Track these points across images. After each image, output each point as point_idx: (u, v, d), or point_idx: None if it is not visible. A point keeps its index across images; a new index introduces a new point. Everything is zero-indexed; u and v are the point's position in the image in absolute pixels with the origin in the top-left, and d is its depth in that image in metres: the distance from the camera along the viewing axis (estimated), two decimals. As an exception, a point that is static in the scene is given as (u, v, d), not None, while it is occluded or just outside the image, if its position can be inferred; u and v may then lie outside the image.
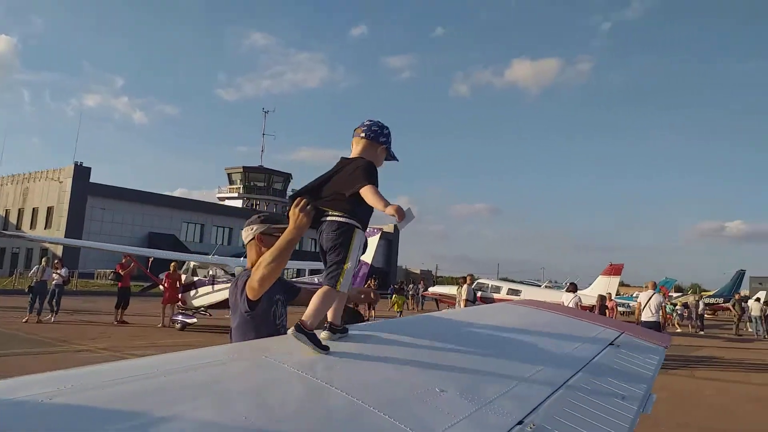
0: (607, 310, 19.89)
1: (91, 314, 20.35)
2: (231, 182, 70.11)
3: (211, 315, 19.08)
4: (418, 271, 77.80)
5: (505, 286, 28.21)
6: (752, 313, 27.81)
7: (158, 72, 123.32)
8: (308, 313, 2.04)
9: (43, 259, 19.13)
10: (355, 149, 2.38)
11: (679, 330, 26.92)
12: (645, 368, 2.22)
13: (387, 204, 2.12)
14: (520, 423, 1.52)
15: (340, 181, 2.24)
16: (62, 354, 11.87)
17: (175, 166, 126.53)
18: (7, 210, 55.46)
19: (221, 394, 1.40)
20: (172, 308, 18.15)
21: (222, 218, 60.01)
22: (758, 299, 31.07)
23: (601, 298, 19.59)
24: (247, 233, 3.03)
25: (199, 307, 18.28)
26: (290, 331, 1.94)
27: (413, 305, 35.20)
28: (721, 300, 42.49)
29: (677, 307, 30.52)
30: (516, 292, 25.29)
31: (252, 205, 67.44)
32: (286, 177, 72.08)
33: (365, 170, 2.21)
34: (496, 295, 26.42)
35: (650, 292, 14.54)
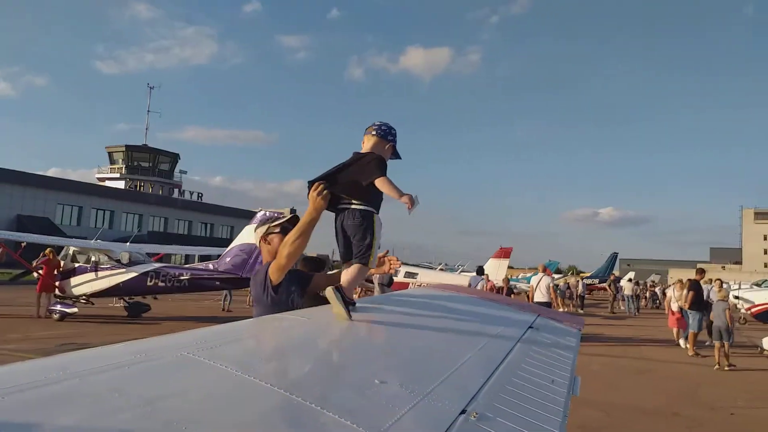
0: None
1: (-51, 306, 18.26)
2: (112, 162, 65.57)
3: (93, 304, 17.77)
4: (314, 255, 77.31)
5: (402, 269, 28.72)
6: (625, 293, 30.46)
7: (25, 39, 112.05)
8: (345, 280, 2.45)
9: None
10: (366, 145, 2.74)
11: (562, 309, 28.90)
12: (566, 351, 2.27)
13: (401, 194, 2.49)
14: (463, 412, 1.48)
15: (355, 172, 2.58)
16: None
17: (47, 144, 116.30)
18: None
19: (140, 396, 1.22)
20: (48, 297, 16.66)
21: (102, 200, 55.99)
22: (630, 279, 34.10)
23: (507, 281, 20.63)
24: (255, 238, 3.51)
25: (80, 296, 16.96)
26: (329, 288, 2.24)
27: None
28: (596, 281, 46.17)
29: (560, 286, 32.76)
30: (413, 275, 25.84)
31: (136, 186, 63.55)
32: (174, 157, 68.54)
33: (379, 164, 2.57)
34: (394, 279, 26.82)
35: (540, 275, 15.81)
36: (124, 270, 16.69)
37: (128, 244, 18.77)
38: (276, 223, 3.31)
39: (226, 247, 17.93)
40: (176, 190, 67.36)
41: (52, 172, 78.41)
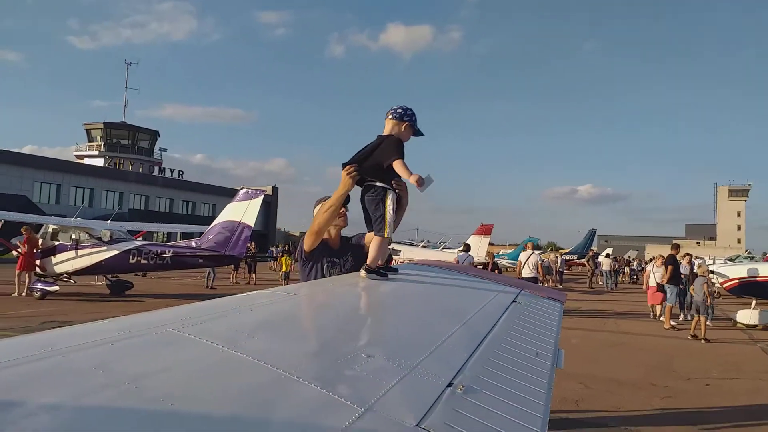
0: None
1: (-74, 285, 17.95)
2: (90, 139, 64.31)
3: (75, 282, 17.59)
4: (297, 234, 77.24)
5: (385, 247, 28.81)
6: (603, 268, 30.94)
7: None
8: (370, 257, 2.82)
9: None
10: (386, 128, 3.04)
11: (544, 285, 29.31)
12: (549, 324, 2.30)
13: (410, 174, 2.82)
14: (449, 385, 1.49)
15: (378, 154, 2.94)
16: None
17: (21, 121, 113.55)
18: None
19: (125, 373, 1.21)
20: (28, 276, 16.45)
21: (81, 178, 55.00)
22: (608, 255, 34.61)
23: (492, 257, 21.02)
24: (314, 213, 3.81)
25: (61, 274, 16.77)
26: (361, 271, 2.71)
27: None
28: (575, 257, 46.78)
29: (544, 262, 33.18)
30: (396, 252, 25.92)
31: (115, 164, 62.54)
32: (153, 135, 67.43)
33: (395, 146, 2.91)
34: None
35: (529, 252, 16.69)
36: (105, 248, 16.51)
37: (109, 221, 18.55)
38: (325, 197, 3.65)
39: (208, 224, 17.80)
40: (156, 168, 66.45)
41: (27, 150, 76.74)
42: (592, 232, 54.48)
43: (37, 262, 16.54)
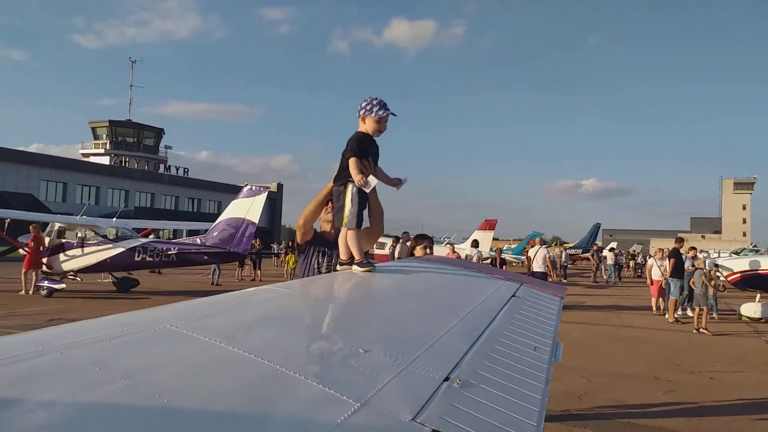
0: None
1: (-67, 284, 18.08)
2: (96, 137, 64.52)
3: (81, 280, 17.68)
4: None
5: (388, 242, 28.79)
6: (608, 262, 30.88)
7: (1, 12, 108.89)
8: (354, 253, 2.88)
9: None
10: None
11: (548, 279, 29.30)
12: (548, 318, 2.30)
13: (357, 174, 2.89)
14: (446, 380, 1.50)
15: (344, 153, 3.04)
16: None
17: (28, 119, 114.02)
18: None
19: (122, 370, 1.22)
20: (35, 274, 16.54)
21: (87, 176, 55.18)
22: (611, 249, 34.56)
23: (500, 252, 21.28)
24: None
25: (67, 272, 16.86)
26: (353, 267, 2.79)
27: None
28: (580, 251, 46.68)
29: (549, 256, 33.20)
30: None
31: (121, 162, 62.71)
32: (158, 132, 67.57)
33: (349, 144, 3.00)
34: (380, 252, 26.93)
35: (537, 247, 17.02)
36: (111, 245, 16.59)
37: (114, 219, 18.63)
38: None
39: (214, 222, 17.85)
40: (162, 166, 66.61)
41: (34, 148, 77.14)
42: (597, 227, 54.35)
43: (44, 260, 16.63)
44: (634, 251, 49.02)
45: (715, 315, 14.60)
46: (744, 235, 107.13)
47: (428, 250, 5.23)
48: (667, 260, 15.50)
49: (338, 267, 3.00)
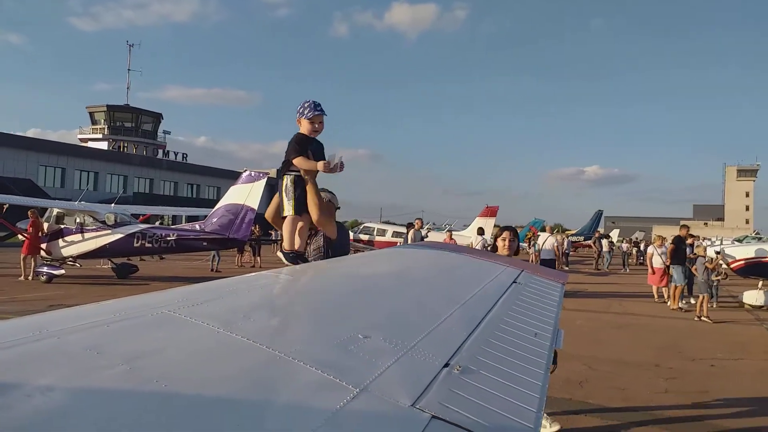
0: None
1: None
2: (94, 122, 64.25)
3: (80, 265, 17.70)
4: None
5: (390, 229, 28.83)
6: (604, 249, 30.96)
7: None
8: (284, 240, 3.29)
9: None
10: None
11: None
12: (549, 304, 2.29)
13: (315, 163, 3.24)
14: (446, 366, 1.48)
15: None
16: None
17: (25, 104, 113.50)
18: None
19: (119, 355, 1.21)
20: (34, 259, 16.55)
21: (85, 161, 55.10)
22: (607, 236, 34.62)
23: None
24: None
25: (67, 257, 16.86)
26: (278, 252, 3.10)
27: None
28: (582, 238, 46.69)
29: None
30: (400, 235, 25.93)
31: (119, 147, 62.53)
32: (157, 117, 67.26)
33: (290, 146, 3.36)
34: (381, 239, 26.95)
35: (546, 234, 17.70)
36: (110, 231, 16.59)
37: (113, 205, 18.60)
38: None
39: (213, 207, 17.83)
40: (161, 151, 66.44)
41: (31, 133, 76.87)
42: (599, 214, 54.32)
43: (43, 245, 16.64)
44: (636, 239, 49.02)
45: (714, 303, 14.62)
46: (747, 222, 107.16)
47: (506, 242, 5.25)
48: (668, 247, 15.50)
49: (278, 253, 3.34)
